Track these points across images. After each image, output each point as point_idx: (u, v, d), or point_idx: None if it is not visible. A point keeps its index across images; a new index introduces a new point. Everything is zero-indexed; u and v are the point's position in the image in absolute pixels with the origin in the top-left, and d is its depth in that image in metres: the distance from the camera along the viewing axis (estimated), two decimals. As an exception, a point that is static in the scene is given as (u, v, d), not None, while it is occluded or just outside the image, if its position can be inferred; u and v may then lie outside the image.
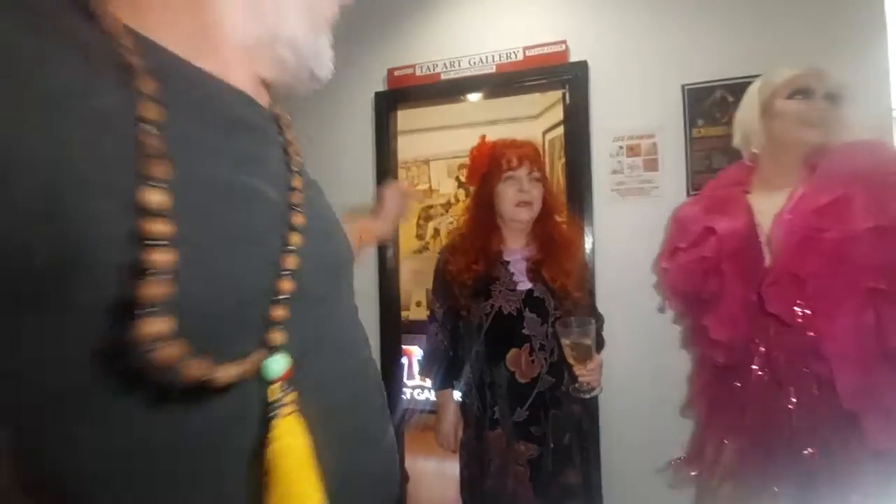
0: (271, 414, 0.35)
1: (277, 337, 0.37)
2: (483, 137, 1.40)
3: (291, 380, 0.37)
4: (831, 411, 1.03)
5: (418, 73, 2.01)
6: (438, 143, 3.49)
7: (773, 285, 1.09)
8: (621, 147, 1.80)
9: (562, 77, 1.86)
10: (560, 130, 3.14)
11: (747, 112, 1.27)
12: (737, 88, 1.62)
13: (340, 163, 2.11)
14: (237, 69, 0.41)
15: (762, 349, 1.13)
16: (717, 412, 1.27)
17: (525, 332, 1.24)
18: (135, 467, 0.31)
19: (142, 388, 0.30)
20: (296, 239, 0.40)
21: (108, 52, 0.31)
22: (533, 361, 1.23)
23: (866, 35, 1.55)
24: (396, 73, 2.03)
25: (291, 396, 0.37)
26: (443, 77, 1.98)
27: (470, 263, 1.29)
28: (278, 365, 0.36)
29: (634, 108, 1.77)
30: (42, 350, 0.28)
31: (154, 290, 0.28)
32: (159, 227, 0.29)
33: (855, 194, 1.03)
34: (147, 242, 0.28)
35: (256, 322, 0.36)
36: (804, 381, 1.07)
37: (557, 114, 3.13)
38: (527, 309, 1.24)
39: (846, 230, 1.01)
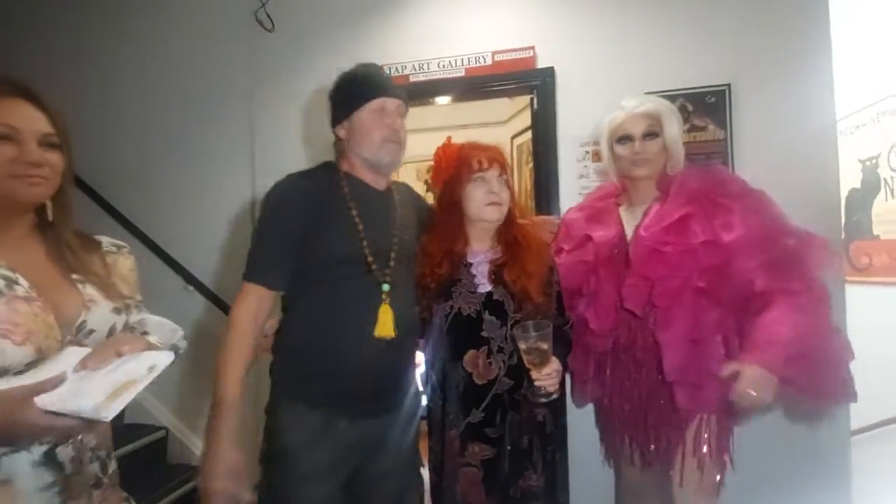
0: (383, 301, 1.15)
1: (388, 271, 1.18)
2: (449, 138, 1.38)
3: (390, 292, 1.16)
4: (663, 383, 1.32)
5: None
6: (407, 145, 3.47)
7: (629, 287, 1.32)
8: (587, 152, 1.84)
9: (530, 82, 1.88)
10: (528, 136, 3.17)
11: (602, 149, 1.49)
12: (696, 98, 1.69)
13: (305, 163, 2.04)
14: (369, 174, 1.25)
15: (624, 338, 1.39)
16: (603, 390, 1.47)
17: (484, 334, 1.23)
18: (336, 300, 1.16)
19: (349, 272, 1.16)
20: (396, 233, 1.24)
21: (341, 187, 1.21)
22: (490, 363, 1.22)
23: (812, 49, 1.64)
24: (364, 73, 2.00)
25: (387, 298, 1.16)
26: (411, 79, 1.96)
27: (434, 268, 1.27)
28: (386, 287, 1.16)
29: (600, 114, 1.78)
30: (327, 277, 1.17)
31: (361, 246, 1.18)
32: (360, 228, 1.18)
33: (693, 213, 1.29)
34: (361, 237, 1.17)
35: (384, 263, 1.18)
36: (650, 361, 1.35)
37: (525, 119, 3.17)
38: (486, 311, 1.24)
39: (685, 244, 1.27)
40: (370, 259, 1.16)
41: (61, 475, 0.78)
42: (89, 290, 0.87)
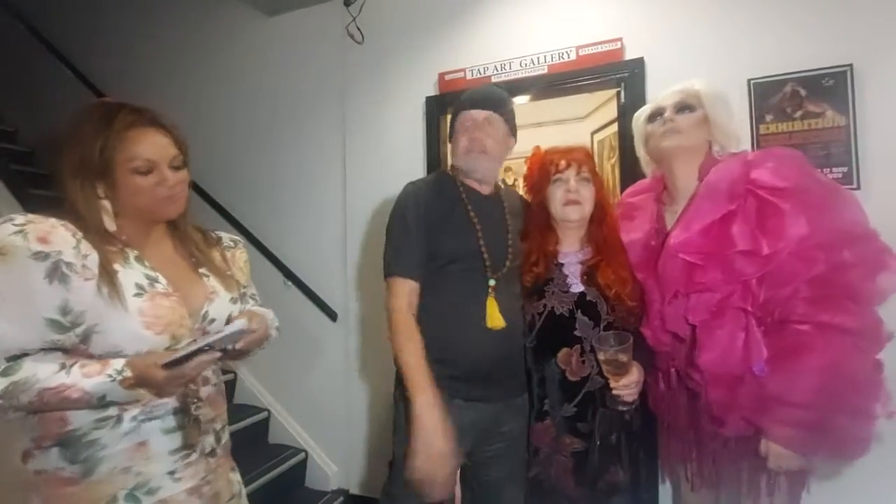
0: (489, 295, 1.25)
1: (502, 271, 1.29)
2: (537, 147, 1.44)
3: (495, 286, 1.26)
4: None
5: (469, 76, 2.03)
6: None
7: (668, 304, 1.17)
8: (680, 146, 1.74)
9: (617, 75, 1.82)
10: (609, 131, 3.07)
11: (636, 141, 1.36)
12: (810, 81, 1.54)
13: (392, 165, 2.16)
14: (471, 181, 1.35)
15: (678, 360, 1.23)
16: (665, 413, 1.32)
17: (576, 333, 1.26)
18: (451, 294, 1.26)
19: (466, 267, 1.28)
20: (511, 236, 1.34)
21: (458, 191, 1.34)
22: (583, 362, 1.25)
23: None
24: (447, 77, 2.06)
25: (493, 292, 1.26)
26: (493, 80, 1.98)
27: (531, 266, 1.32)
28: (492, 281, 1.26)
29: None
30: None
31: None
32: (478, 228, 1.29)
33: (736, 213, 1.08)
34: (479, 236, 1.29)
35: (500, 263, 1.29)
36: (696, 388, 1.20)
37: (606, 114, 3.06)
38: (579, 311, 1.26)
39: (720, 253, 1.08)
40: (486, 257, 1.26)
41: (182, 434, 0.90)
42: (212, 283, 0.99)
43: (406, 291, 1.23)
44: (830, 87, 1.52)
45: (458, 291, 1.26)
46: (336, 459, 2.33)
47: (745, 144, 1.63)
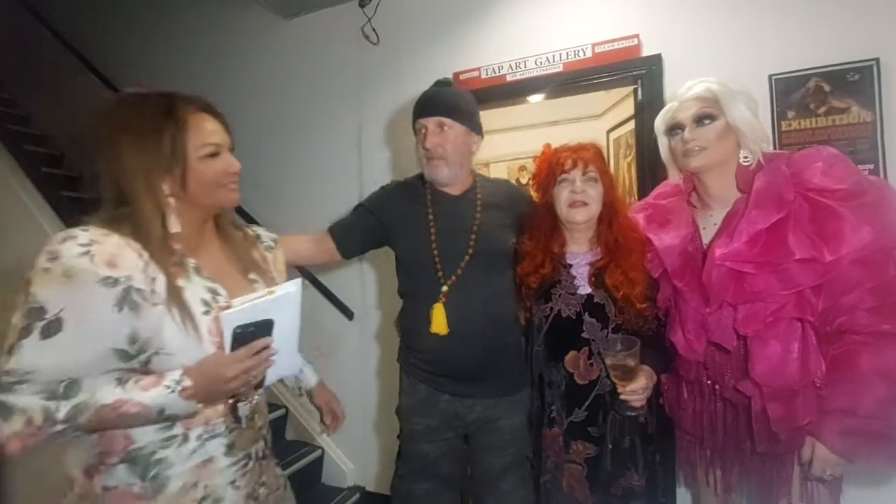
0: (438, 301, 1.28)
1: (458, 273, 1.30)
2: (547, 145, 1.40)
3: (448, 293, 1.29)
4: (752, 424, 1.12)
5: (483, 75, 2.03)
6: (498, 145, 3.48)
7: (712, 314, 1.12)
8: (699, 143, 1.71)
9: (633, 72, 1.80)
10: (625, 129, 3.04)
11: (661, 148, 1.31)
12: (834, 76, 1.50)
13: (408, 165, 2.17)
14: (453, 189, 1.39)
15: (711, 369, 1.19)
16: (692, 422, 1.26)
17: (584, 335, 1.24)
18: (416, 296, 1.35)
19: (423, 271, 1.33)
20: (475, 235, 1.32)
21: (424, 196, 1.38)
22: (591, 364, 1.23)
23: None
24: (462, 76, 2.06)
25: (444, 297, 1.29)
26: (508, 79, 1.98)
27: (537, 267, 1.29)
28: (444, 287, 1.29)
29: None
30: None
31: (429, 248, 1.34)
32: (432, 233, 1.33)
33: (787, 220, 1.03)
34: (433, 241, 1.32)
35: (455, 263, 1.30)
36: (735, 400, 1.15)
37: (622, 112, 3.03)
38: (586, 313, 1.24)
39: (774, 262, 1.03)
40: (437, 261, 1.30)
41: (238, 432, 0.88)
42: (259, 288, 0.94)
43: (320, 239, 1.38)
44: (856, 81, 1.48)
45: (419, 295, 1.33)
46: (352, 457, 2.35)
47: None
